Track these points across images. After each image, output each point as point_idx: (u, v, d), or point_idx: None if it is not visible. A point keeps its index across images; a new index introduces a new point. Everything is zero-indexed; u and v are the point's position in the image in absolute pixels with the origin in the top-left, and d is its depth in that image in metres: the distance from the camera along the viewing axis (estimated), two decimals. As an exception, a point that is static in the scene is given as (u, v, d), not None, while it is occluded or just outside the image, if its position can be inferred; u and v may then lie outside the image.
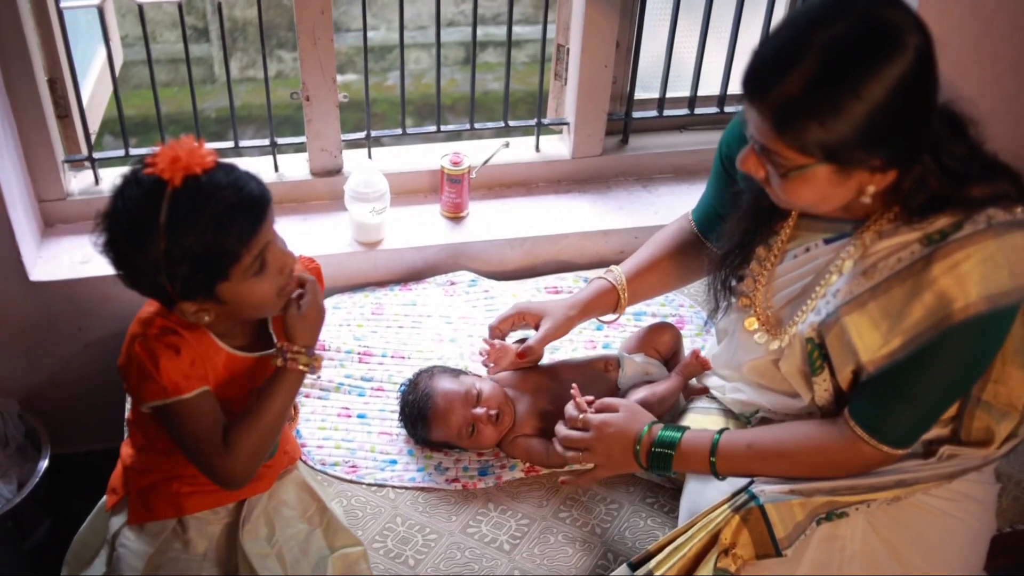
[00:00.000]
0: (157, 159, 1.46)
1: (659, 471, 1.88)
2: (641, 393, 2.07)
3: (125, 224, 1.47)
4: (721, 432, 1.81)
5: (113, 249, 1.50)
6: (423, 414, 2.09)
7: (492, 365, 2.15)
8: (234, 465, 1.64)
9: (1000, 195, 1.54)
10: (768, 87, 1.46)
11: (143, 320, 1.62)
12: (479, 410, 2.05)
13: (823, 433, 1.73)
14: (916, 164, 1.53)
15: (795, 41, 1.44)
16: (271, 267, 1.56)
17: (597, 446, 1.88)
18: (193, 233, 1.45)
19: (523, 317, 2.12)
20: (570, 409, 1.95)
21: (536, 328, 2.11)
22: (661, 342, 2.26)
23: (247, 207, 1.49)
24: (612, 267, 2.13)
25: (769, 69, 1.46)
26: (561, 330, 2.09)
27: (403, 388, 2.19)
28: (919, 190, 1.56)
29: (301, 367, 1.66)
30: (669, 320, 2.44)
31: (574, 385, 1.98)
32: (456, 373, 2.16)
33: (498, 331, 2.13)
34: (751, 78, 1.49)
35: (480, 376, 2.19)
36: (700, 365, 2.09)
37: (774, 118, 1.46)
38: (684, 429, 1.84)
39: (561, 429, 1.96)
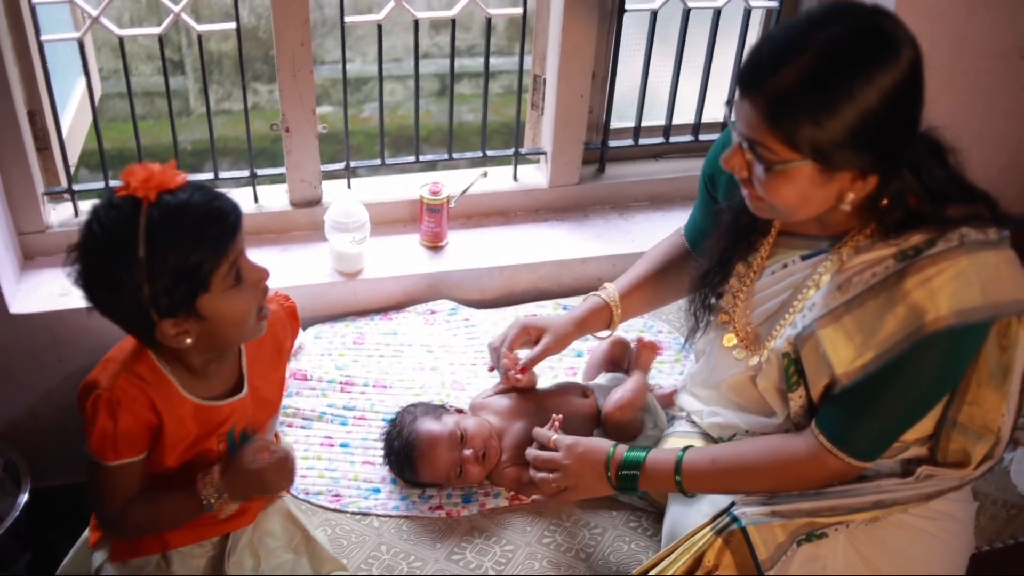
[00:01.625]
0: (130, 179, 1.47)
1: (627, 492, 1.90)
2: (617, 394, 2.10)
3: (105, 244, 1.47)
4: (685, 450, 1.83)
5: (93, 274, 1.50)
6: (409, 460, 2.09)
7: (511, 376, 2.13)
8: (117, 531, 1.75)
9: (974, 216, 1.58)
10: (763, 79, 1.48)
11: (106, 371, 1.62)
12: (466, 451, 2.05)
13: (787, 445, 1.75)
14: (896, 177, 1.56)
15: (794, 38, 1.47)
16: (247, 279, 1.57)
17: (568, 467, 1.90)
18: (173, 244, 1.46)
19: (527, 332, 2.13)
20: (539, 431, 1.98)
21: (536, 342, 2.13)
22: (612, 354, 2.29)
23: (222, 215, 1.50)
24: (606, 284, 2.16)
25: (766, 62, 1.48)
26: (559, 345, 2.12)
27: (385, 426, 2.19)
28: (896, 207, 1.59)
29: (202, 496, 1.67)
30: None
31: (556, 416, 2.00)
32: (438, 413, 2.15)
33: (510, 350, 2.13)
34: (747, 71, 1.52)
35: (462, 412, 2.19)
36: (649, 349, 2.14)
37: (767, 110, 1.48)
38: (648, 449, 1.87)
39: (531, 451, 1.99)
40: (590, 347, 2.43)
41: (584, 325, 2.14)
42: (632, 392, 2.11)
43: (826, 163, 1.50)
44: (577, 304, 2.20)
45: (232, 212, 1.52)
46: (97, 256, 1.49)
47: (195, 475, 1.71)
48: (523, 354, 2.12)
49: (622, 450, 1.88)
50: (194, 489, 1.67)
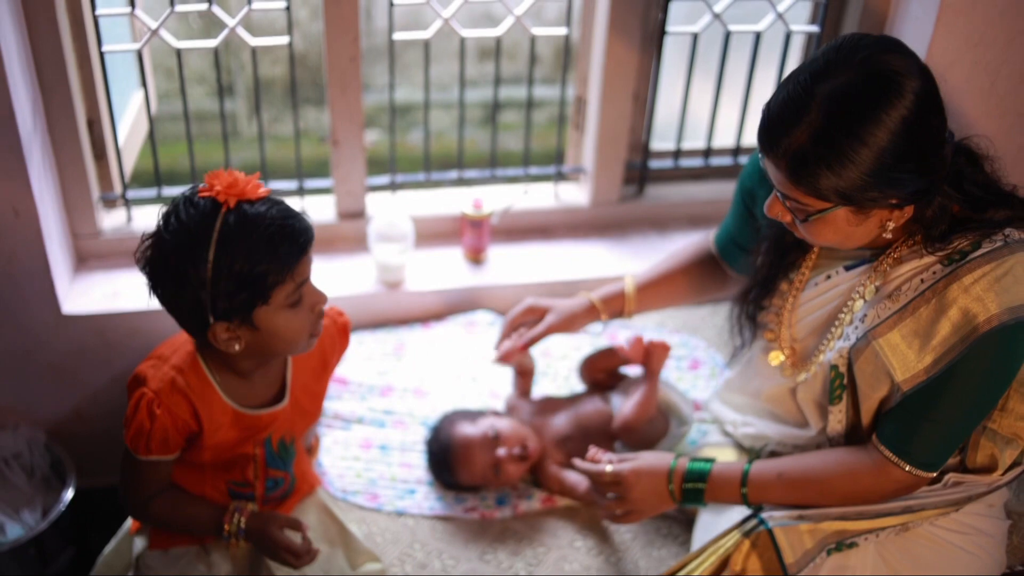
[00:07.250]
0: (214, 182, 1.54)
1: (692, 504, 1.89)
2: (624, 410, 2.13)
3: (179, 238, 1.53)
4: (751, 462, 1.84)
5: (161, 263, 1.56)
6: (447, 463, 2.13)
7: (504, 348, 2.17)
8: (138, 517, 1.85)
9: (1017, 217, 1.62)
10: (778, 141, 1.53)
11: (158, 371, 1.68)
12: (501, 451, 2.09)
13: (853, 459, 1.76)
14: (933, 198, 1.58)
15: (799, 96, 1.50)
16: (306, 302, 1.63)
17: (630, 495, 1.89)
18: (242, 252, 1.51)
19: (533, 311, 2.18)
20: (590, 468, 1.94)
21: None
22: (598, 369, 2.30)
23: (294, 233, 1.56)
24: (627, 275, 2.20)
25: (777, 124, 1.53)
26: (565, 325, 2.15)
27: (425, 432, 2.23)
28: (940, 218, 1.61)
29: (225, 527, 1.75)
30: (684, 361, 2.48)
31: (592, 447, 2.00)
32: (474, 416, 2.19)
33: (511, 327, 2.19)
34: (762, 134, 1.56)
35: (499, 414, 2.23)
36: (661, 349, 2.15)
37: (788, 169, 1.53)
38: (712, 461, 1.86)
39: (589, 485, 2.02)
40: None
41: (594, 311, 2.17)
42: (635, 407, 2.12)
43: (856, 205, 1.55)
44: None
45: (304, 233, 1.58)
46: (169, 248, 1.55)
47: (228, 473, 1.77)
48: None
49: (684, 462, 1.87)
50: (220, 514, 1.75)
